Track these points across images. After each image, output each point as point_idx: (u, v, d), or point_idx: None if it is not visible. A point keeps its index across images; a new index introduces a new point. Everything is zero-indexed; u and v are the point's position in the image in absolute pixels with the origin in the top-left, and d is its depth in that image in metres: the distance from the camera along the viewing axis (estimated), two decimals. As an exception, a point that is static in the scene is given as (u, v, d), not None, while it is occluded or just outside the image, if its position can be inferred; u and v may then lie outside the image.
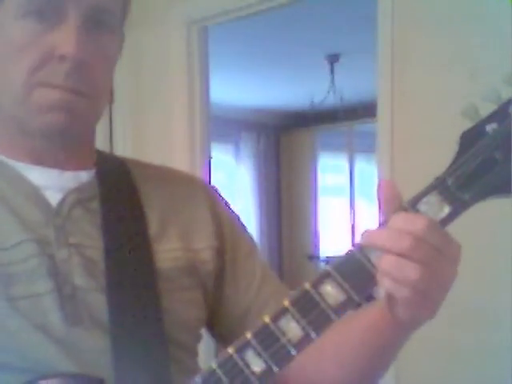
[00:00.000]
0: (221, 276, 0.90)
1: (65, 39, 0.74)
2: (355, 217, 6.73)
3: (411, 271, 0.63)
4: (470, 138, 0.65)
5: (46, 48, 0.75)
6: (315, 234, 6.81)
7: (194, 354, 0.88)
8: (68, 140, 0.82)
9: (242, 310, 0.91)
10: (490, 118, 0.64)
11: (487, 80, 1.96)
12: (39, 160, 0.82)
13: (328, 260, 6.55)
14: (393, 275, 0.63)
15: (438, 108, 2.15)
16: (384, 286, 0.64)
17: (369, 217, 6.20)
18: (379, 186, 0.67)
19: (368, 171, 6.33)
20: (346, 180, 6.86)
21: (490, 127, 0.64)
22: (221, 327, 0.93)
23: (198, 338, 0.90)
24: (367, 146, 5.44)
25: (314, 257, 6.73)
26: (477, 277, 1.96)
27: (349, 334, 0.81)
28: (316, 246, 6.81)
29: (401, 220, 0.64)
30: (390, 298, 0.67)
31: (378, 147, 2.34)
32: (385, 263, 0.63)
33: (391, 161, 2.26)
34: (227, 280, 0.91)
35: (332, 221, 6.82)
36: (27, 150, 0.81)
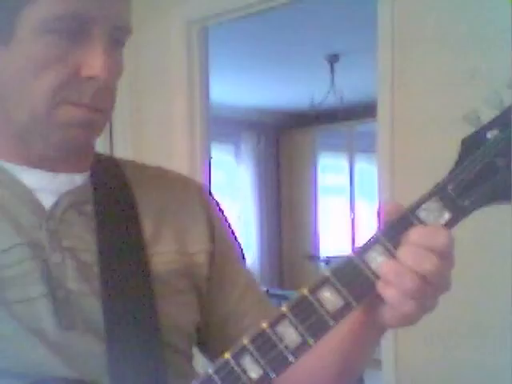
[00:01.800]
0: (209, 280, 0.89)
1: (94, 60, 0.74)
2: (355, 217, 6.73)
3: (431, 294, 0.64)
4: (471, 144, 0.64)
5: (71, 67, 0.74)
6: (315, 234, 6.81)
7: (189, 357, 0.88)
8: (79, 151, 0.81)
9: (221, 318, 0.90)
10: (492, 124, 0.63)
11: (488, 81, 1.96)
12: (33, 162, 0.80)
13: (328, 260, 6.55)
14: (408, 293, 0.63)
15: (438, 108, 2.15)
16: (387, 297, 0.64)
17: (369, 217, 6.20)
18: (380, 208, 0.66)
19: (368, 171, 6.33)
20: (346, 180, 6.85)
21: (491, 133, 0.63)
22: (200, 333, 0.91)
23: (193, 341, 0.90)
24: (367, 146, 5.44)
25: (313, 257, 6.73)
26: (476, 284, 1.96)
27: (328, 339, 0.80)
28: (316, 246, 6.80)
29: (422, 235, 0.63)
30: (380, 303, 0.66)
31: (378, 147, 2.34)
32: (404, 282, 0.63)
33: (391, 161, 2.26)
34: (212, 285, 0.90)
35: (332, 221, 6.82)
36: (22, 153, 0.80)
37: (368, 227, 6.06)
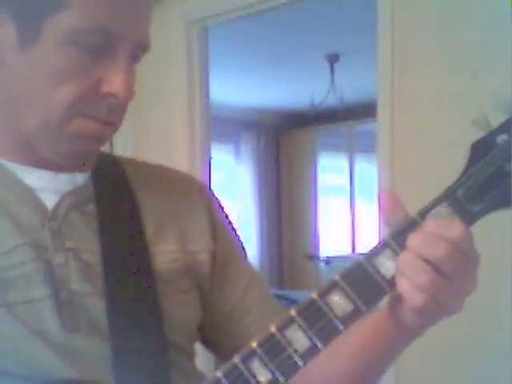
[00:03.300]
0: (211, 278, 0.89)
1: (115, 77, 0.74)
2: (355, 217, 6.73)
3: (447, 290, 0.62)
4: (480, 149, 0.64)
5: (92, 81, 0.74)
6: (315, 234, 6.81)
7: (191, 355, 0.88)
8: (84, 160, 0.81)
9: (225, 315, 0.90)
10: (501, 129, 0.63)
11: (488, 81, 1.96)
12: (34, 162, 0.80)
13: (328, 260, 6.56)
14: (420, 286, 0.62)
15: (438, 108, 2.15)
16: (400, 289, 0.63)
17: (369, 217, 6.21)
18: (379, 198, 0.66)
19: (368, 171, 6.33)
20: (346, 180, 6.85)
21: (500, 138, 0.63)
22: (204, 331, 0.91)
23: (195, 339, 0.90)
24: (367, 146, 5.44)
25: (314, 257, 6.73)
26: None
27: (349, 342, 0.78)
28: (316, 246, 6.80)
29: (435, 225, 0.63)
30: (400, 302, 0.66)
31: (378, 147, 2.34)
32: (417, 274, 0.61)
33: (391, 161, 2.26)
34: (214, 283, 0.89)
35: (332, 221, 6.81)
36: (24, 153, 0.79)
37: (368, 227, 6.06)
